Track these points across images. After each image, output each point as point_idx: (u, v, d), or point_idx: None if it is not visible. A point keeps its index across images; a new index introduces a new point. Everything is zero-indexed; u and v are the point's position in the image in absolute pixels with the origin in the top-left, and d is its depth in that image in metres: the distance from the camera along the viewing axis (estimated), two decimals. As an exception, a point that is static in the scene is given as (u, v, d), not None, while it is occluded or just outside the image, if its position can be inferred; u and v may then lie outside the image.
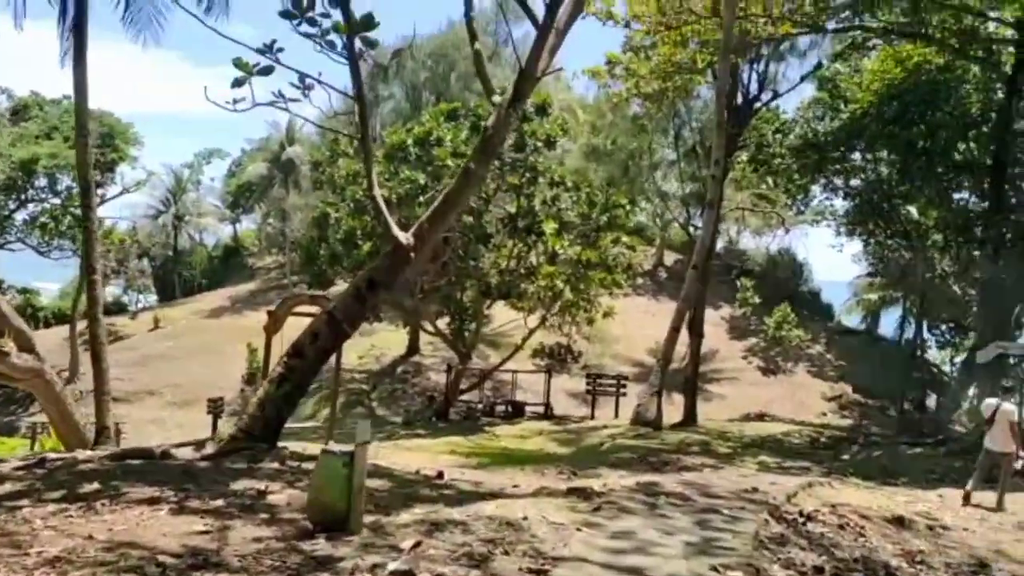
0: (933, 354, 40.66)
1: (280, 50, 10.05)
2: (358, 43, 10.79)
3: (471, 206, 25.99)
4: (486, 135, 11.95)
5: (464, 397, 30.17)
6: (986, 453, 13.08)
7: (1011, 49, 24.02)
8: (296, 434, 22.50)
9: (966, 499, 12.51)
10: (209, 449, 10.86)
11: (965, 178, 25.22)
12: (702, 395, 30.26)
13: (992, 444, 12.93)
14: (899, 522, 9.93)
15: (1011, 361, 23.19)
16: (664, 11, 24.41)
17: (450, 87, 50.18)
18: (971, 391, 37.62)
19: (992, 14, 24.30)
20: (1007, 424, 12.73)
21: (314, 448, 13.83)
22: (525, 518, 7.54)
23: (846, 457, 21.79)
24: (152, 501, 7.84)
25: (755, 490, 9.90)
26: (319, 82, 10.47)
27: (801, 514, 9.15)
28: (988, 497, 12.66)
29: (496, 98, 11.95)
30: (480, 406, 29.95)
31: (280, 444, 11.47)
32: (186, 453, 10.85)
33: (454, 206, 12.40)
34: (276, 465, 10.16)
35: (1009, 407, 12.94)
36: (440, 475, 11.08)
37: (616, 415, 28.47)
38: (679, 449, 18.46)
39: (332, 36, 10.49)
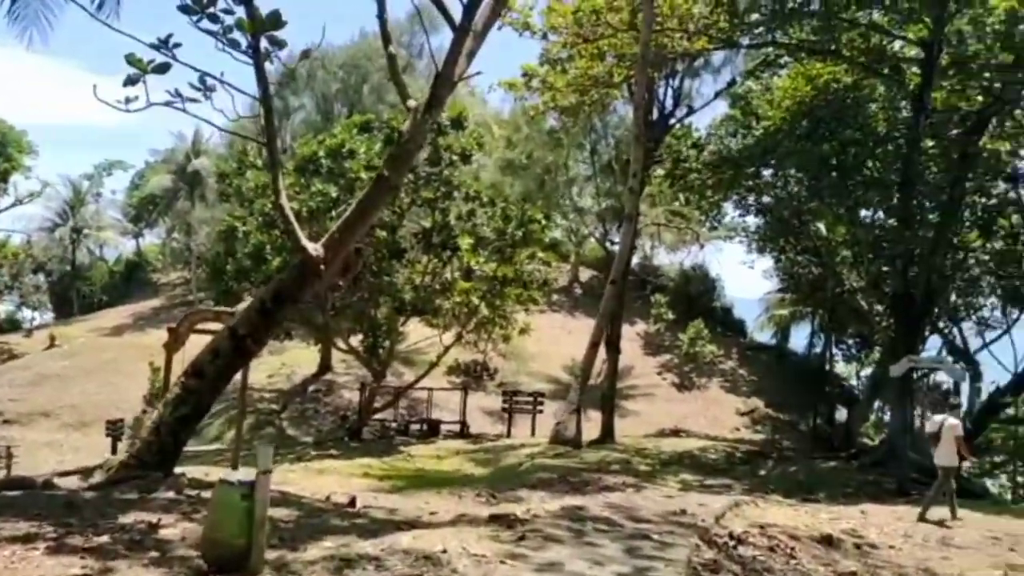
0: (841, 368, 41.42)
1: (177, 46, 9.32)
2: (264, 42, 10.11)
3: (384, 220, 25.39)
4: (401, 141, 11.38)
5: (378, 416, 29.36)
6: (939, 469, 13.32)
7: (915, 69, 24.56)
8: (199, 457, 21.42)
9: (953, 517, 12.67)
10: (97, 478, 9.97)
11: (874, 194, 25.60)
12: (618, 411, 30.08)
13: (939, 459, 13.19)
14: (827, 542, 9.69)
15: (915, 375, 23.67)
16: (581, 23, 24.24)
17: (363, 99, 49.30)
18: (876, 404, 38.66)
19: (898, 33, 24.83)
20: (952, 439, 12.94)
21: (218, 473, 12.96)
22: (444, 551, 6.95)
23: (763, 472, 21.83)
24: (27, 539, 6.99)
25: (683, 512, 9.52)
26: (221, 82, 9.75)
27: (731, 537, 8.79)
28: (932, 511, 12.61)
29: (411, 103, 11.37)
30: (395, 425, 29.17)
31: (178, 470, 10.62)
32: (71, 483, 9.94)
33: (366, 216, 11.75)
34: (171, 495, 9.35)
35: (953, 422, 13.17)
36: (352, 502, 10.40)
37: (533, 433, 28.08)
38: (600, 468, 18.09)
39: (235, 34, 9.81)
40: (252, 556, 6.16)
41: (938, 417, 13.48)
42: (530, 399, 29.76)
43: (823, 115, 25.03)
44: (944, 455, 13.03)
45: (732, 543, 8.58)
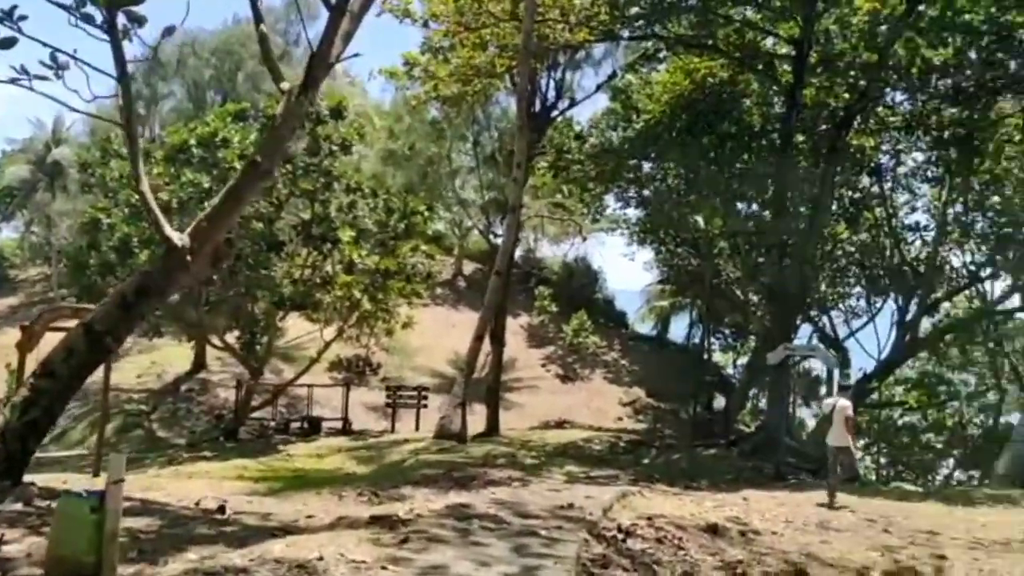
0: (718, 357, 42.45)
1: (23, 18, 8.52)
2: (122, 18, 9.37)
3: (261, 212, 24.48)
4: (274, 124, 10.78)
5: (256, 415, 28.35)
6: (828, 448, 13.81)
7: (787, 66, 25.25)
8: (61, 464, 20.11)
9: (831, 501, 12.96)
10: (-66, 490, 9.04)
11: (750, 186, 26.23)
12: (503, 404, 29.94)
13: (831, 440, 13.65)
14: (713, 530, 9.66)
15: (792, 361, 24.33)
16: (463, 12, 23.88)
17: (237, 86, 47.60)
18: (752, 391, 39.81)
19: (771, 31, 25.48)
20: (843, 420, 13.43)
21: (81, 482, 12.02)
22: (320, 558, 6.50)
23: (646, 461, 22.00)
24: None
25: (571, 506, 9.31)
26: (75, 59, 8.97)
27: (620, 529, 8.64)
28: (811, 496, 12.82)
29: (285, 85, 10.78)
30: (273, 424, 28.22)
31: (28, 479, 9.76)
32: (-96, 497, 8.97)
33: (237, 204, 11.10)
34: (19, 507, 8.56)
35: (844, 403, 13.64)
36: (222, 508, 9.77)
37: (417, 428, 27.65)
38: (485, 462, 17.78)
39: (90, 8, 9.05)
40: (103, 574, 5.58)
41: (830, 400, 14.10)
42: (414, 394, 29.33)
43: (701, 109, 25.47)
44: (836, 436, 13.50)
45: (621, 536, 8.42)
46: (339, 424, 27.94)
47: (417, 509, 9.21)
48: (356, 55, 11.22)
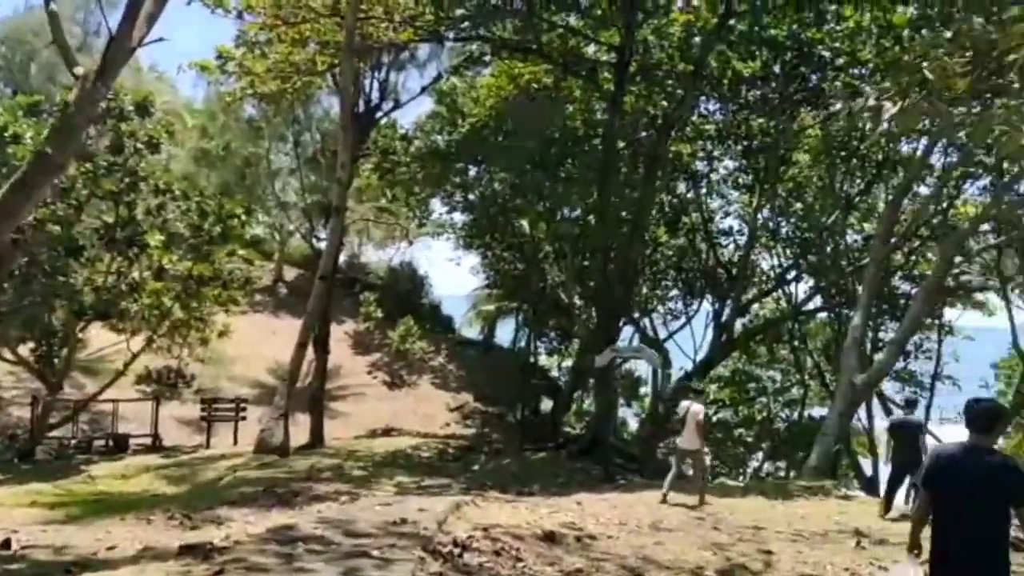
0: (544, 360, 42.88)
1: None
2: None
3: (59, 214, 22.54)
4: (66, 113, 9.68)
5: (55, 433, 26.05)
6: (679, 451, 14.04)
7: (609, 73, 25.75)
8: None
9: (663, 499, 13.07)
10: None
11: (575, 191, 26.56)
12: (328, 414, 28.97)
13: (683, 443, 13.74)
14: (550, 538, 9.40)
15: (617, 362, 24.75)
16: (281, 5, 22.83)
17: (30, 78, 43.83)
18: (577, 393, 40.48)
19: (594, 37, 25.91)
20: (695, 423, 13.48)
21: None
22: (120, 599, 5.71)
23: (476, 468, 21.74)
24: None
25: (403, 521, 8.78)
26: None
27: (456, 544, 8.19)
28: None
29: (79, 70, 9.70)
30: (74, 442, 25.99)
31: None
32: None
33: (24, 201, 9.88)
34: None
35: (697, 407, 13.75)
36: (7, 542, 8.63)
37: (235, 442, 26.25)
38: (310, 476, 16.97)
39: None
40: None
41: (684, 403, 14.09)
42: (231, 406, 27.80)
43: (527, 113, 25.54)
44: (688, 439, 13.60)
45: (457, 551, 7.98)
46: (148, 441, 26.11)
47: (234, 534, 8.43)
48: (159, 40, 10.23)
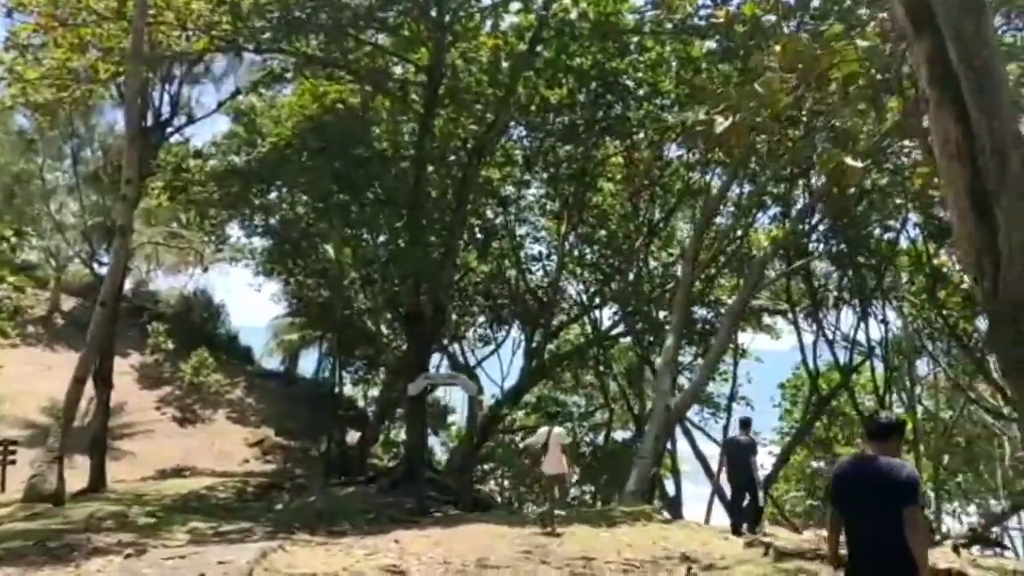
0: (349, 390, 41.50)
1: None
2: None
3: None
4: None
5: None
6: (545, 477, 13.89)
7: (420, 94, 25.18)
8: None
9: (551, 531, 12.85)
10: None
11: (386, 213, 25.66)
12: (111, 454, 26.39)
13: (548, 468, 13.55)
14: (372, 586, 8.52)
15: (429, 390, 24.08)
16: (57, 4, 20.64)
17: None
18: (383, 424, 39.36)
19: (404, 56, 25.27)
20: (559, 448, 13.39)
21: None
22: None
23: (280, 507, 20.35)
24: None
25: (201, 578, 7.64)
26: None
27: (265, 602, 7.18)
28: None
29: None
30: None
31: None
32: None
33: None
34: None
35: (559, 431, 13.77)
36: None
37: (2, 489, 23.32)
38: (88, 526, 14.98)
39: None
40: None
41: (544, 428, 13.95)
42: (-1, 449, 24.77)
43: (333, 132, 24.47)
44: (552, 464, 13.44)
45: (267, 610, 6.97)
46: None
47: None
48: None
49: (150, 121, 25.35)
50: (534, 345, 28.99)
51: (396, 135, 27.20)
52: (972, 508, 37.80)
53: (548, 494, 14.09)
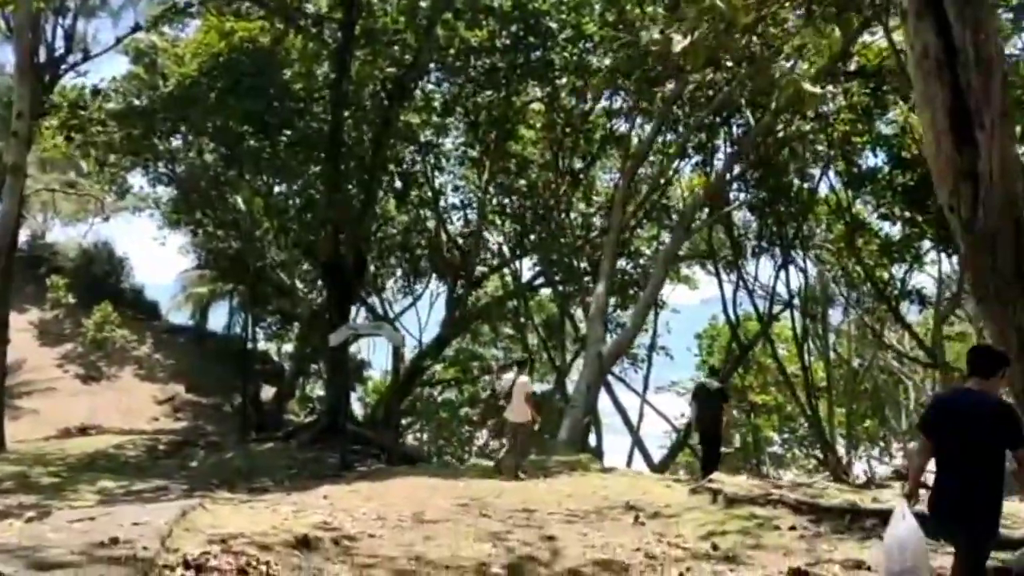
0: (264, 345, 40.24)
1: None
2: None
3: None
4: None
5: None
6: (508, 425, 13.89)
7: (337, 30, 23.91)
8: None
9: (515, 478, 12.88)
10: None
11: (303, 157, 24.40)
12: (10, 414, 24.81)
13: (511, 416, 13.59)
14: (305, 544, 7.82)
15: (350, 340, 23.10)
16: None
17: None
18: (299, 379, 38.29)
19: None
20: (523, 395, 13.37)
21: None
22: None
23: (195, 464, 19.40)
24: None
25: (114, 541, 6.80)
26: None
27: (188, 565, 6.44)
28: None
29: None
30: None
31: None
32: None
33: None
34: None
35: (524, 379, 13.68)
36: None
37: None
38: (-16, 489, 13.93)
39: None
40: None
41: (508, 375, 14.02)
42: None
43: (244, 70, 23.05)
44: (516, 412, 13.44)
45: (191, 574, 6.25)
46: None
47: None
48: None
49: (43, 57, 23.54)
50: (456, 295, 28.23)
51: (310, 78, 25.85)
52: (876, 452, 39.06)
53: (510, 442, 13.94)
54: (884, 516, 8.30)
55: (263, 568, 6.75)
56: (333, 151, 22.26)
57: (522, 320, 36.95)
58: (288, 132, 23.30)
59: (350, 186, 24.49)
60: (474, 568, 7.52)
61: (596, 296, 18.02)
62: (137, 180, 32.59)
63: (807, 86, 8.65)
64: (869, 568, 7.36)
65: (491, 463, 15.78)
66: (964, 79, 6.62)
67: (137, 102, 26.51)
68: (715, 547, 8.20)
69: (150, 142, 26.38)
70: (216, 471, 17.57)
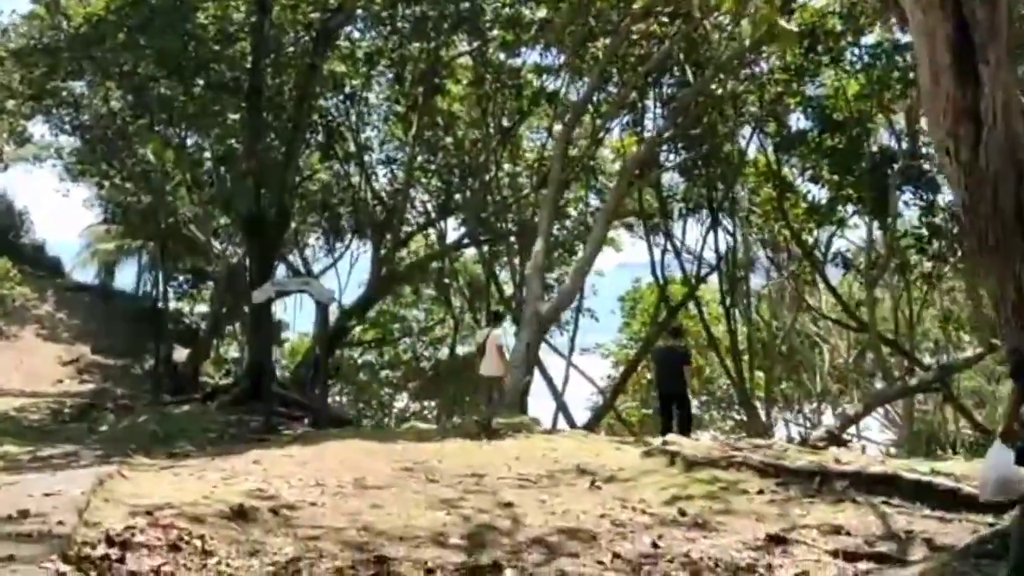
0: (175, 304, 38.58)
1: None
2: None
3: None
4: None
5: None
6: (482, 379, 13.94)
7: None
8: None
9: (490, 434, 12.75)
10: None
11: (224, 102, 22.97)
12: (-102, 376, 23.18)
13: (485, 370, 13.57)
14: (241, 515, 7.09)
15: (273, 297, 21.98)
16: None
17: None
18: (213, 341, 36.78)
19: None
20: (495, 348, 13.32)
21: None
22: None
23: (105, 428, 18.26)
24: None
25: (24, 514, 5.96)
26: None
27: (112, 542, 5.65)
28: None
29: None
30: None
31: None
32: None
33: None
34: None
35: (496, 332, 13.63)
36: None
37: None
38: None
39: None
40: None
41: (483, 329, 14.16)
42: None
43: (156, 7, 21.35)
44: (489, 366, 13.44)
45: (115, 553, 5.48)
46: None
47: None
48: None
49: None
50: (382, 254, 27.17)
51: (228, 20, 24.24)
52: (789, 415, 39.62)
53: (486, 396, 14.01)
54: (854, 478, 8.05)
55: (197, 543, 6.02)
56: (254, 98, 20.97)
57: (446, 281, 36.26)
58: (204, 77, 21.79)
59: (271, 136, 23.26)
60: (431, 538, 6.90)
61: (535, 253, 17.40)
62: (38, 129, 30.73)
63: (783, 23, 8.15)
64: (849, 533, 7.00)
65: (430, 426, 15.20)
66: (968, 10, 6.16)
67: (46, 40, 24.63)
68: (682, 512, 7.73)
69: (53, 86, 24.56)
70: (130, 435, 16.47)
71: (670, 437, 10.96)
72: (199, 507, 6.99)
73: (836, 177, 24.99)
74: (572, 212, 31.47)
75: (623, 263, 40.46)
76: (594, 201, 30.30)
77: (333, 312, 29.39)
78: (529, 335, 15.61)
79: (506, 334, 14.47)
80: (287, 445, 12.03)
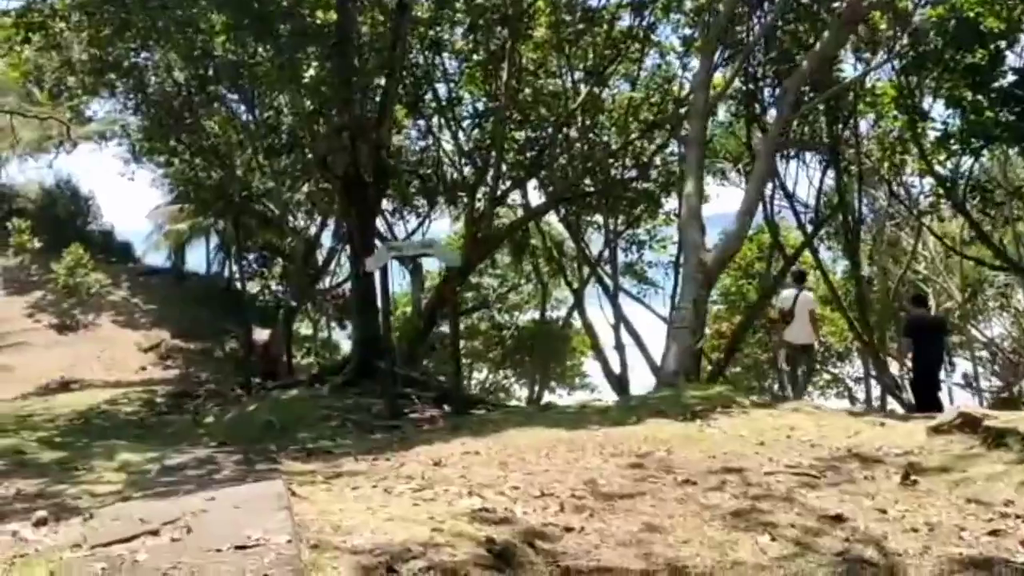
0: (251, 284, 37.04)
1: None
2: None
3: None
4: None
5: None
6: (790, 348, 12.39)
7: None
8: None
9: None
10: None
11: (311, 49, 20.62)
12: (-20, 371, 21.83)
13: (794, 337, 12.07)
14: (503, 557, 4.96)
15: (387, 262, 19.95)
16: None
17: None
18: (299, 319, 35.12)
19: None
20: (807, 314, 11.86)
21: None
22: None
23: (211, 420, 16.48)
24: None
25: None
26: None
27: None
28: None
29: None
30: None
31: None
32: None
33: None
34: None
35: (808, 295, 12.16)
36: None
37: None
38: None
39: None
40: None
41: (788, 291, 12.32)
42: None
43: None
44: (799, 332, 11.97)
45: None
46: None
47: None
48: None
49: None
50: (479, 213, 24.75)
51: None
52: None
53: (791, 366, 12.48)
54: None
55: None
56: (345, 42, 18.78)
57: (533, 243, 34.23)
58: (294, 21, 19.44)
59: (369, 89, 21.08)
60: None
61: (686, 196, 15.04)
62: (102, 107, 29.29)
63: None
64: None
65: (598, 401, 13.04)
66: None
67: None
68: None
69: (117, 53, 22.70)
70: (242, 428, 14.66)
71: (971, 409, 8.58)
72: (441, 547, 4.88)
73: (973, 96, 22.02)
74: (656, 161, 29.00)
75: (707, 216, 37.86)
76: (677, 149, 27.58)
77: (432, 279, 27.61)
78: (695, 289, 13.29)
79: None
80: (452, 438, 9.92)
